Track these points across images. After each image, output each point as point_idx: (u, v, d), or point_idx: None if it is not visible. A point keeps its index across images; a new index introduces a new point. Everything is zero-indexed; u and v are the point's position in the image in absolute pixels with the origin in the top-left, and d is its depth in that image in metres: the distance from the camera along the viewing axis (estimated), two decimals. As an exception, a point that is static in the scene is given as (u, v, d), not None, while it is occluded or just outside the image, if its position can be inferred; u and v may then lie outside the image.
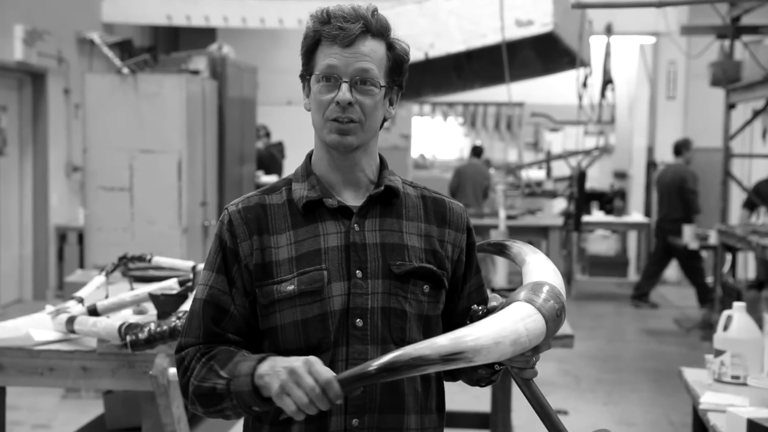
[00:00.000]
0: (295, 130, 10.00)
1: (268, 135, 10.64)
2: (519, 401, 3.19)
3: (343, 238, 1.72)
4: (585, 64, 7.48)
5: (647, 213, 11.69)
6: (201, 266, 3.17)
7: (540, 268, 1.74)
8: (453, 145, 14.79)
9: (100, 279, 3.40)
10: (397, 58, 1.75)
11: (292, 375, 1.52)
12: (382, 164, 1.81)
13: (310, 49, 1.73)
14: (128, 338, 2.80)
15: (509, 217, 9.01)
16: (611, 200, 11.52)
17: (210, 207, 7.33)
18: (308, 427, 1.68)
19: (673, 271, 10.60)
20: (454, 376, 1.86)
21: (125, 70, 6.82)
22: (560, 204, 11.53)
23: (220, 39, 10.60)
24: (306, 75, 1.75)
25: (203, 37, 11.01)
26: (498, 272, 8.70)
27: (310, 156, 1.81)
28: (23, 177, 8.84)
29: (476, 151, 10.74)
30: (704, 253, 9.09)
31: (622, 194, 12.10)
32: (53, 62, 8.87)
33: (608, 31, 8.56)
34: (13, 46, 8.21)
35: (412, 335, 1.71)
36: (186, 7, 10.25)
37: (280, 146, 10.61)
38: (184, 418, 2.98)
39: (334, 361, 1.67)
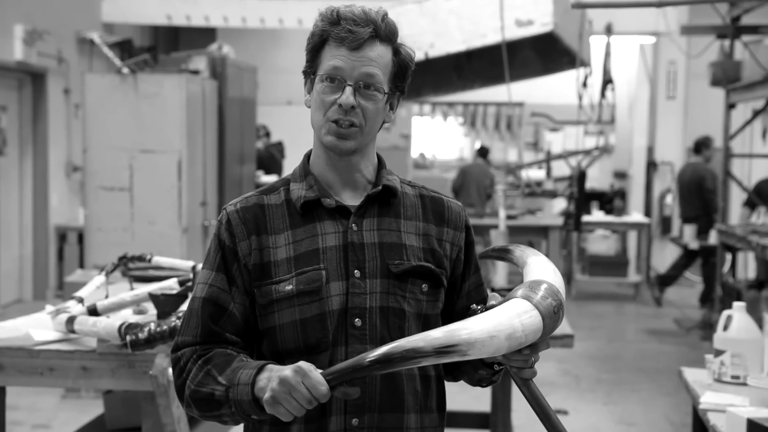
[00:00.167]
0: (295, 130, 10.02)
1: (268, 135, 10.64)
2: (519, 401, 3.19)
3: (341, 237, 1.72)
4: (585, 64, 7.46)
5: (647, 213, 11.68)
6: (201, 266, 3.17)
7: (540, 267, 1.74)
8: (453, 145, 14.78)
9: (100, 279, 3.40)
10: (402, 64, 1.75)
11: (284, 385, 1.52)
12: (380, 164, 1.81)
13: (317, 48, 1.72)
14: (128, 338, 2.80)
15: (509, 217, 8.99)
16: (611, 200, 11.50)
17: (210, 207, 7.33)
18: (308, 426, 1.68)
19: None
20: (455, 376, 1.86)
21: (125, 70, 6.83)
22: (560, 204, 11.52)
23: (220, 39, 10.60)
24: (310, 72, 1.75)
25: (203, 37, 11.01)
26: (498, 272, 8.66)
27: (308, 156, 1.81)
28: (23, 177, 8.84)
29: (482, 152, 10.73)
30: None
31: (622, 194, 12.08)
32: (53, 62, 8.87)
33: (608, 31, 8.54)
34: (13, 46, 8.21)
35: (410, 334, 1.69)
36: (186, 7, 10.25)
37: (279, 146, 10.61)
38: (184, 418, 2.97)
39: (333, 360, 1.66)
